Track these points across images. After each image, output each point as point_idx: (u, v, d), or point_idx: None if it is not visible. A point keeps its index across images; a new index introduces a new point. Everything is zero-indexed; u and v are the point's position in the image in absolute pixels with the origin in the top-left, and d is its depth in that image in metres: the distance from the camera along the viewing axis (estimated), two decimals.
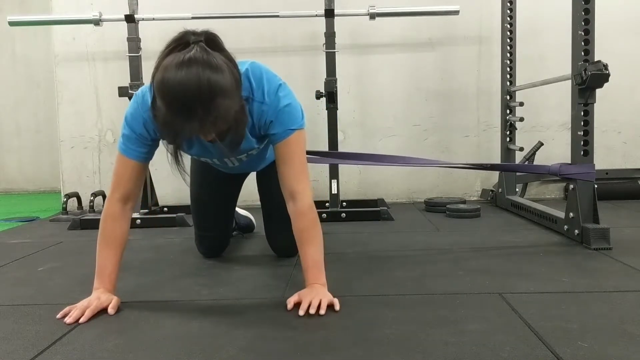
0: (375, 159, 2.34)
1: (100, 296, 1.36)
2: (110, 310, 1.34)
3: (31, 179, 4.57)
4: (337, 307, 1.31)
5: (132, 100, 1.40)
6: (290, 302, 1.34)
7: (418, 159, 2.34)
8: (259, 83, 1.38)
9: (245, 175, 1.95)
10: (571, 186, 2.04)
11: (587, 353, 1.05)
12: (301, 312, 1.28)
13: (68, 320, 1.29)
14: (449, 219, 2.64)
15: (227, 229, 1.99)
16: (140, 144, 1.38)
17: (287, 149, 1.40)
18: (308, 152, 1.53)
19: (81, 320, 1.29)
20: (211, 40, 1.20)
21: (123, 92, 2.68)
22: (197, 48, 1.15)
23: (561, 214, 2.14)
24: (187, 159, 1.46)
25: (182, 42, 1.17)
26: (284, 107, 1.39)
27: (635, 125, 3.23)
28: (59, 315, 1.32)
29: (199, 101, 1.12)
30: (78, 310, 1.31)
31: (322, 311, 1.28)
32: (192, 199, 1.93)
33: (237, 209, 2.17)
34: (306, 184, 1.41)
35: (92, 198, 3.01)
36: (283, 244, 1.88)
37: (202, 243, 1.96)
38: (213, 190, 1.88)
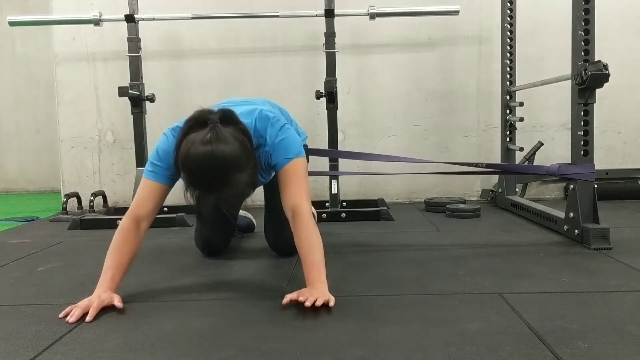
0: (373, 158, 2.35)
1: (101, 295, 1.37)
2: (118, 304, 1.36)
3: (31, 179, 4.57)
4: (332, 304, 1.32)
5: (163, 137, 1.56)
6: (287, 298, 1.35)
7: (416, 158, 2.35)
8: (264, 130, 1.57)
9: None
10: (571, 186, 2.04)
11: (587, 353, 1.05)
12: (307, 304, 1.28)
13: (70, 319, 1.29)
14: (449, 219, 2.64)
15: (229, 232, 2.01)
16: (169, 172, 1.51)
17: (286, 174, 1.54)
18: (312, 150, 1.67)
19: (87, 319, 1.29)
20: (225, 117, 1.38)
21: (123, 92, 2.68)
22: (214, 129, 1.31)
23: (561, 214, 2.14)
24: None
25: (200, 121, 1.35)
26: (280, 141, 1.56)
27: (635, 125, 3.23)
28: (61, 315, 1.32)
29: (215, 177, 1.31)
30: (80, 309, 1.32)
31: (319, 303, 1.29)
32: (195, 205, 1.95)
33: None
34: (304, 197, 1.51)
35: (92, 198, 3.01)
36: (283, 243, 1.88)
37: (203, 242, 1.97)
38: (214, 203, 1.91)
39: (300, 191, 1.52)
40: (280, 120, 1.61)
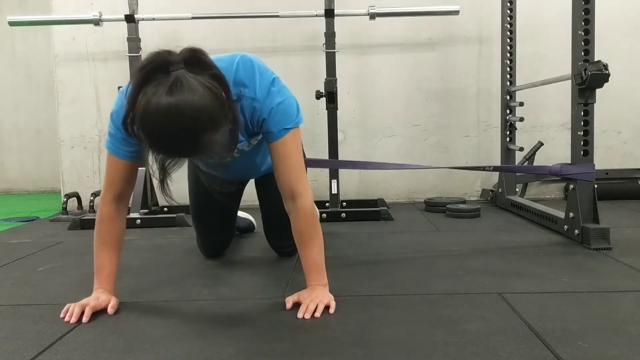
0: (374, 166, 2.35)
1: (100, 296, 1.36)
2: (110, 310, 1.33)
3: (31, 179, 4.57)
4: (332, 310, 1.31)
5: (117, 97, 1.35)
6: (289, 302, 1.35)
7: (417, 165, 2.35)
8: (250, 79, 1.31)
9: (243, 184, 1.93)
10: (571, 186, 2.04)
11: (587, 353, 1.05)
12: (299, 315, 1.28)
13: (70, 319, 1.29)
14: (449, 219, 2.64)
15: (229, 233, 1.98)
16: (127, 143, 1.31)
17: (283, 148, 1.35)
18: (307, 161, 1.48)
19: (84, 320, 1.29)
20: (193, 61, 1.11)
21: None
22: (178, 78, 1.05)
23: (561, 214, 2.14)
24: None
25: (159, 66, 1.08)
26: (278, 104, 1.33)
27: (635, 125, 3.23)
28: (61, 315, 1.32)
29: (183, 137, 1.06)
30: (78, 307, 1.31)
31: (318, 314, 1.28)
32: (191, 208, 1.92)
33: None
34: (306, 184, 1.38)
35: (92, 198, 3.01)
36: (283, 243, 1.87)
37: (204, 245, 1.96)
38: (212, 200, 1.78)
39: (300, 172, 1.37)
40: (268, 70, 1.36)
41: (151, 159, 1.14)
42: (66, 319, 1.30)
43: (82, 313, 1.31)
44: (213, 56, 1.29)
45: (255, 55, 1.38)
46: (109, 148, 1.35)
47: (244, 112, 1.32)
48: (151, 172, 1.16)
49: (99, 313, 1.34)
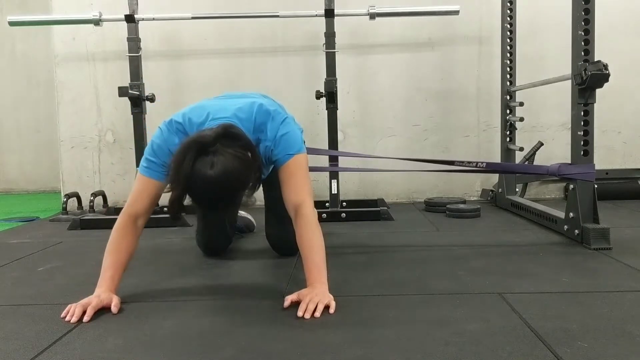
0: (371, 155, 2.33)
1: (101, 294, 1.37)
2: (114, 309, 1.35)
3: (31, 179, 4.57)
4: (332, 310, 1.32)
5: (158, 132, 1.54)
6: (288, 300, 1.35)
7: (414, 158, 2.35)
8: (265, 125, 1.54)
9: None
10: (571, 186, 2.04)
11: (587, 353, 1.05)
12: (299, 314, 1.29)
13: (73, 319, 1.30)
14: (449, 219, 2.64)
15: (229, 232, 2.00)
16: (164, 168, 1.48)
17: (287, 170, 1.52)
18: (311, 149, 1.66)
19: (85, 320, 1.30)
20: (225, 136, 1.34)
21: (123, 92, 2.67)
22: (216, 155, 1.28)
23: (561, 214, 2.14)
24: None
25: (201, 148, 1.30)
26: (282, 135, 1.54)
27: (635, 125, 3.23)
28: (62, 314, 1.33)
29: (221, 200, 1.33)
30: (79, 307, 1.32)
31: (317, 314, 1.29)
32: (197, 214, 1.99)
33: None
34: (308, 195, 1.50)
35: (92, 198, 3.01)
36: (284, 242, 1.89)
37: (204, 244, 1.97)
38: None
39: (303, 189, 1.51)
40: (281, 114, 1.58)
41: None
42: (67, 318, 1.31)
43: (84, 313, 1.31)
44: (234, 106, 1.54)
45: (271, 98, 1.70)
46: (143, 172, 1.52)
47: (260, 152, 1.52)
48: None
49: (100, 313, 1.34)
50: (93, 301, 1.34)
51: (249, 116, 1.54)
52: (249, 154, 1.36)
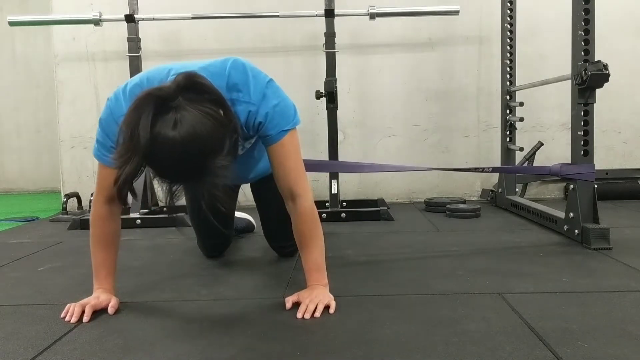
0: (374, 168, 2.34)
1: (100, 295, 1.37)
2: (110, 310, 1.34)
3: (31, 179, 4.57)
4: (332, 310, 1.31)
5: (106, 104, 1.32)
6: (289, 302, 1.35)
7: (417, 166, 2.35)
8: (244, 83, 1.29)
9: (238, 186, 1.93)
10: (571, 186, 2.04)
11: (587, 353, 1.05)
12: (299, 315, 1.28)
13: (71, 319, 1.29)
14: (449, 219, 2.64)
15: (227, 234, 1.96)
16: (113, 151, 1.23)
17: (282, 150, 1.34)
18: (306, 161, 1.47)
19: (84, 320, 1.29)
20: (188, 88, 1.10)
21: None
22: (179, 112, 1.06)
23: (561, 214, 2.14)
24: None
25: (158, 100, 1.07)
26: (274, 107, 1.31)
27: (635, 125, 3.23)
28: (62, 314, 1.32)
29: (191, 169, 1.09)
30: (78, 307, 1.32)
31: (317, 314, 1.28)
32: (188, 210, 1.93)
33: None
34: (305, 185, 1.38)
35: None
36: (284, 242, 1.87)
37: (204, 246, 1.96)
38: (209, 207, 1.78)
39: (300, 174, 1.37)
40: (262, 72, 1.34)
41: (157, 184, 1.16)
42: (67, 318, 1.30)
43: (83, 313, 1.31)
44: (204, 62, 1.30)
45: (247, 60, 1.36)
46: (96, 156, 1.34)
47: (238, 117, 1.28)
48: (158, 197, 1.17)
49: (99, 313, 1.34)
50: (92, 301, 1.34)
51: (221, 71, 1.28)
52: (221, 112, 1.13)
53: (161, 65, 1.34)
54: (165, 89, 1.08)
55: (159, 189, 1.16)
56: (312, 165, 1.93)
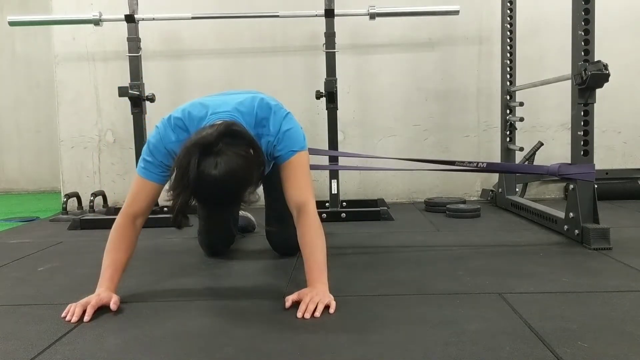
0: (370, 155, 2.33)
1: (101, 294, 1.37)
2: (113, 306, 1.35)
3: (31, 179, 4.57)
4: (332, 310, 1.32)
5: (154, 131, 1.52)
6: (289, 300, 1.35)
7: (414, 159, 2.35)
8: (267, 118, 1.52)
9: None
10: (571, 186, 2.04)
11: (587, 353, 1.05)
12: (299, 315, 1.29)
13: (71, 319, 1.30)
14: (449, 219, 2.64)
15: (231, 230, 2.00)
16: (161, 169, 1.49)
17: (290, 167, 1.51)
18: (311, 150, 1.64)
19: (85, 319, 1.30)
20: (228, 134, 1.32)
21: (123, 92, 2.68)
22: (220, 155, 1.27)
23: (561, 214, 2.14)
24: None
25: (205, 146, 1.28)
26: (286, 131, 1.52)
27: (635, 125, 3.23)
28: (63, 314, 1.33)
29: (226, 198, 1.33)
30: (79, 307, 1.33)
31: (317, 314, 1.29)
32: (198, 206, 1.94)
33: None
34: (310, 194, 1.49)
35: (92, 198, 3.01)
36: (284, 242, 1.88)
37: (207, 244, 1.97)
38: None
39: (306, 187, 1.50)
40: (283, 109, 1.57)
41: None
42: (67, 318, 1.31)
43: (84, 312, 1.32)
44: (234, 101, 1.52)
45: (272, 96, 1.61)
46: (140, 173, 1.51)
47: (262, 147, 1.48)
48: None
49: (100, 312, 1.34)
50: (93, 300, 1.34)
51: (250, 110, 1.52)
52: (252, 151, 1.35)
53: (196, 100, 1.56)
54: (208, 137, 1.30)
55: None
56: (313, 150, 2.04)
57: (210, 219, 1.93)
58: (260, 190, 1.90)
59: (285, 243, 1.88)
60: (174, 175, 1.31)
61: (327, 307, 1.32)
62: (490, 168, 2.35)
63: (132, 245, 1.49)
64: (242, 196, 1.33)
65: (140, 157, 1.52)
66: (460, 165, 2.18)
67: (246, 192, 1.33)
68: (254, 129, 1.49)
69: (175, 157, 1.33)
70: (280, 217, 1.76)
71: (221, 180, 1.26)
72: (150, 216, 2.82)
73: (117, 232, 1.47)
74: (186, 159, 1.27)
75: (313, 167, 1.68)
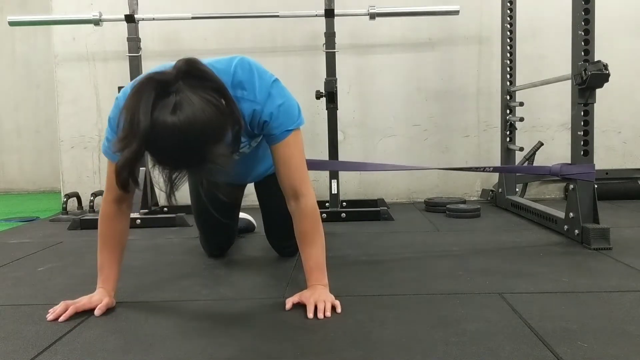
0: (375, 167, 2.34)
1: (93, 296, 1.37)
2: (97, 312, 1.32)
3: (31, 179, 4.57)
4: (339, 310, 1.31)
5: (114, 103, 1.34)
6: (289, 303, 1.34)
7: (416, 166, 2.35)
8: (249, 82, 1.30)
9: (244, 185, 1.93)
10: (571, 186, 2.04)
11: (587, 353, 1.05)
12: (310, 315, 1.27)
13: (49, 317, 1.30)
14: (449, 219, 2.64)
15: (231, 233, 1.97)
16: None
17: (285, 149, 1.36)
18: (311, 163, 1.50)
19: (60, 320, 1.29)
20: (189, 74, 1.09)
21: None
22: (179, 96, 1.05)
23: (561, 214, 2.14)
24: None
25: (159, 85, 1.06)
26: (279, 107, 1.32)
27: (635, 125, 3.23)
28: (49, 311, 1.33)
29: (190, 155, 1.07)
30: (61, 307, 1.32)
31: (328, 313, 1.28)
32: (193, 209, 1.92)
33: None
34: (308, 184, 1.39)
35: (92, 198, 3.01)
36: (285, 243, 1.87)
37: (208, 245, 1.96)
38: (213, 202, 1.72)
39: (303, 173, 1.38)
40: (268, 72, 1.35)
41: (157, 173, 1.13)
42: (48, 317, 1.31)
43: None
44: (211, 59, 1.29)
45: (254, 59, 1.37)
46: (106, 153, 1.35)
47: (243, 114, 1.29)
48: (157, 186, 1.16)
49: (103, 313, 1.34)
50: (82, 301, 1.34)
51: (226, 68, 1.29)
52: (223, 101, 1.11)
53: (168, 63, 1.32)
54: (166, 74, 1.07)
55: (160, 179, 1.13)
56: (312, 164, 1.94)
57: (206, 223, 1.88)
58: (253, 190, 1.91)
59: (287, 243, 1.86)
60: (121, 121, 1.07)
61: (332, 307, 1.31)
62: (494, 171, 2.35)
63: (123, 236, 1.41)
64: (209, 155, 1.07)
65: (104, 137, 1.35)
66: (467, 170, 2.18)
67: (215, 150, 1.08)
68: (231, 90, 1.24)
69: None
70: (280, 218, 1.70)
71: (181, 127, 1.02)
72: (150, 216, 2.84)
73: (104, 223, 1.38)
74: (136, 98, 1.04)
75: (313, 168, 1.65)
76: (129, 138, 1.04)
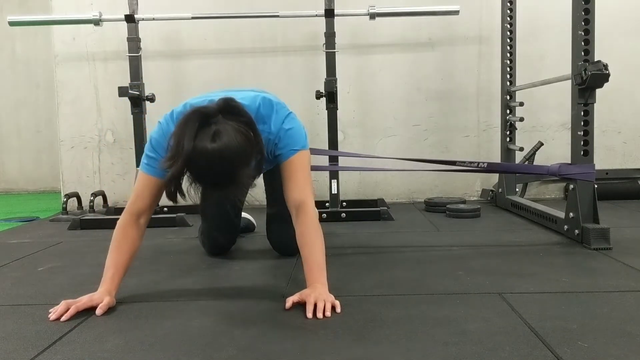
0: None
1: (94, 295, 1.37)
2: (98, 311, 1.33)
3: (31, 179, 4.57)
4: (339, 310, 1.32)
5: (157, 126, 1.52)
6: (289, 301, 1.35)
7: (401, 157, 2.36)
8: (268, 117, 1.53)
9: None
10: (571, 186, 2.04)
11: (587, 353, 1.05)
12: (309, 315, 1.28)
13: (51, 316, 1.31)
14: (449, 219, 2.64)
15: (235, 230, 2.00)
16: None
17: (290, 166, 1.51)
18: (311, 150, 1.63)
19: (62, 319, 1.30)
20: (227, 110, 1.30)
21: (123, 92, 2.68)
22: (218, 127, 1.25)
23: (561, 214, 2.14)
24: None
25: (202, 118, 1.26)
26: (287, 130, 1.53)
27: (635, 125, 3.23)
28: (50, 310, 1.34)
29: (223, 175, 1.27)
30: (62, 306, 1.33)
31: (328, 313, 1.29)
32: (201, 203, 1.92)
33: None
34: (309, 193, 1.49)
35: (92, 198, 3.01)
36: (285, 242, 1.87)
37: (209, 243, 1.97)
38: (219, 199, 1.81)
39: (306, 186, 1.50)
40: (285, 108, 1.58)
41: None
42: (51, 317, 1.32)
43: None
44: (239, 93, 1.51)
45: (275, 95, 1.62)
46: (143, 169, 1.49)
47: (265, 144, 1.47)
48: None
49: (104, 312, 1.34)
50: (83, 300, 1.35)
51: (252, 105, 1.51)
52: (251, 133, 1.32)
53: (202, 94, 1.57)
54: (208, 108, 1.28)
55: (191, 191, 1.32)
56: (313, 150, 2.00)
57: (215, 217, 1.91)
58: (262, 190, 1.93)
59: (286, 243, 1.87)
60: (169, 145, 1.28)
61: (333, 307, 1.32)
62: (490, 168, 2.36)
63: (136, 244, 1.48)
64: (238, 176, 1.28)
65: (143, 154, 1.51)
66: (461, 165, 2.17)
67: (243, 172, 1.29)
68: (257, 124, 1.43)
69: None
70: (282, 218, 1.73)
71: (218, 153, 1.23)
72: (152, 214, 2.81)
73: (120, 231, 1.46)
74: (182, 127, 1.25)
75: (313, 168, 1.68)
76: (175, 158, 1.24)
